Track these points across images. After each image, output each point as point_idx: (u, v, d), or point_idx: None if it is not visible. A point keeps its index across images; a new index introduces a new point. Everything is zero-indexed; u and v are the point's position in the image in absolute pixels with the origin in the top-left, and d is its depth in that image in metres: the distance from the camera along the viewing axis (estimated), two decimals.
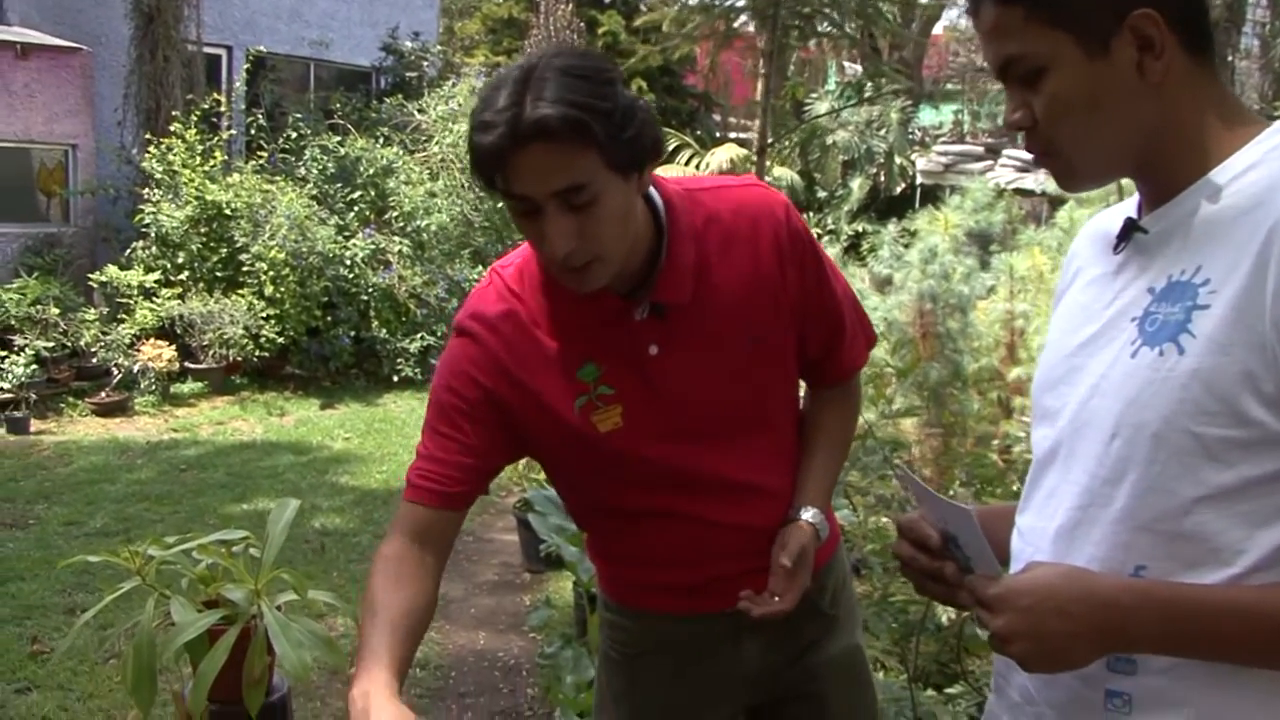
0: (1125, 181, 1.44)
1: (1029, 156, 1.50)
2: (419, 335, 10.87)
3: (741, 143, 17.14)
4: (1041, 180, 13.27)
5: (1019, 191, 13.97)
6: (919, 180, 17.74)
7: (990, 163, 17.19)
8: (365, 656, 1.46)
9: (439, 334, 11.05)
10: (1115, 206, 1.51)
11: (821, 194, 17.55)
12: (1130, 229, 1.39)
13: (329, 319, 10.46)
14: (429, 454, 1.69)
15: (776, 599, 1.68)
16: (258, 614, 1.65)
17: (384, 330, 10.66)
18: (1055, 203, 11.06)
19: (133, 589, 1.78)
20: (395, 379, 10.72)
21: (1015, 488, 4.13)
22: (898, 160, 18.05)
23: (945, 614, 3.03)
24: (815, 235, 1.89)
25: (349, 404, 10.15)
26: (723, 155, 15.71)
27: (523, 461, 6.65)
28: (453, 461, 1.67)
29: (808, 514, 1.75)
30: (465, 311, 1.74)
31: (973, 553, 1.39)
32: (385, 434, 9.11)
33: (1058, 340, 1.49)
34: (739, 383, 1.74)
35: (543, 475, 6.36)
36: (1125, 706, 1.33)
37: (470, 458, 1.68)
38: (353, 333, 10.55)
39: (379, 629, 1.51)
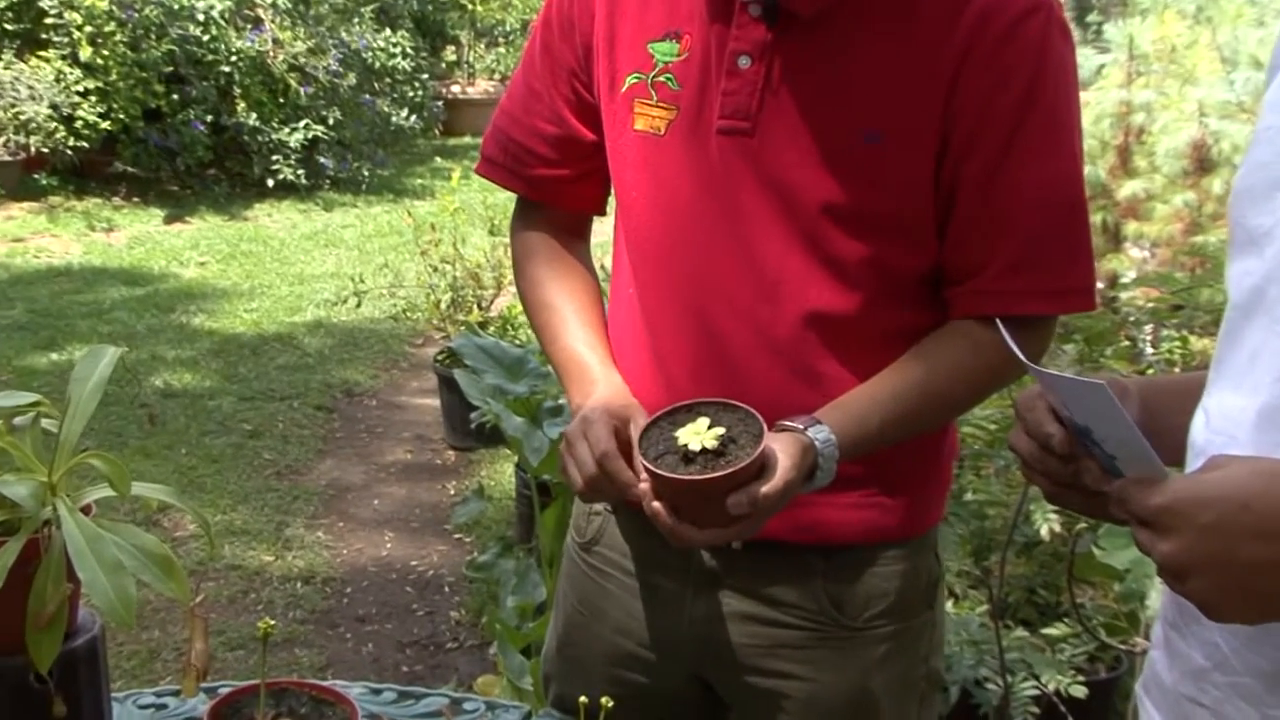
0: None
1: None
2: (302, 123, 10.65)
3: None
4: None
5: None
6: None
7: None
8: (574, 367, 1.85)
9: (331, 123, 10.81)
10: None
11: None
12: None
13: (175, 98, 10.22)
14: (505, 111, 1.96)
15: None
16: (52, 519, 1.49)
17: (253, 115, 10.45)
18: None
19: None
20: (270, 183, 10.56)
21: (1125, 344, 4.03)
22: None
23: (1044, 518, 2.92)
24: (1068, 96, 1.72)
25: (205, 216, 9.98)
26: None
27: (445, 299, 6.56)
28: (531, 130, 1.92)
29: (817, 434, 1.67)
30: None
31: (1115, 446, 1.26)
32: (256, 258, 8.96)
33: (1275, 132, 1.32)
34: (821, 179, 1.69)
35: (473, 317, 6.30)
36: None
37: (551, 125, 1.90)
38: (209, 117, 10.33)
39: (570, 328, 1.89)
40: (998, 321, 1.44)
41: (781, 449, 1.62)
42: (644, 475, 1.63)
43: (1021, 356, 1.33)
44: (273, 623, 1.63)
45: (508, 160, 1.95)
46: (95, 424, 1.45)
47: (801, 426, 1.66)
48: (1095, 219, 5.35)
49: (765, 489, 1.58)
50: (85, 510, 1.55)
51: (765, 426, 1.61)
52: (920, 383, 1.74)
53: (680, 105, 1.76)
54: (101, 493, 1.60)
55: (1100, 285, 5.31)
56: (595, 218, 2.04)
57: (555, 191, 1.95)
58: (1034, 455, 1.36)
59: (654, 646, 1.91)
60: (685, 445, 1.60)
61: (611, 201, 1.95)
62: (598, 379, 1.81)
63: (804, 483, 1.65)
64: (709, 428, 1.61)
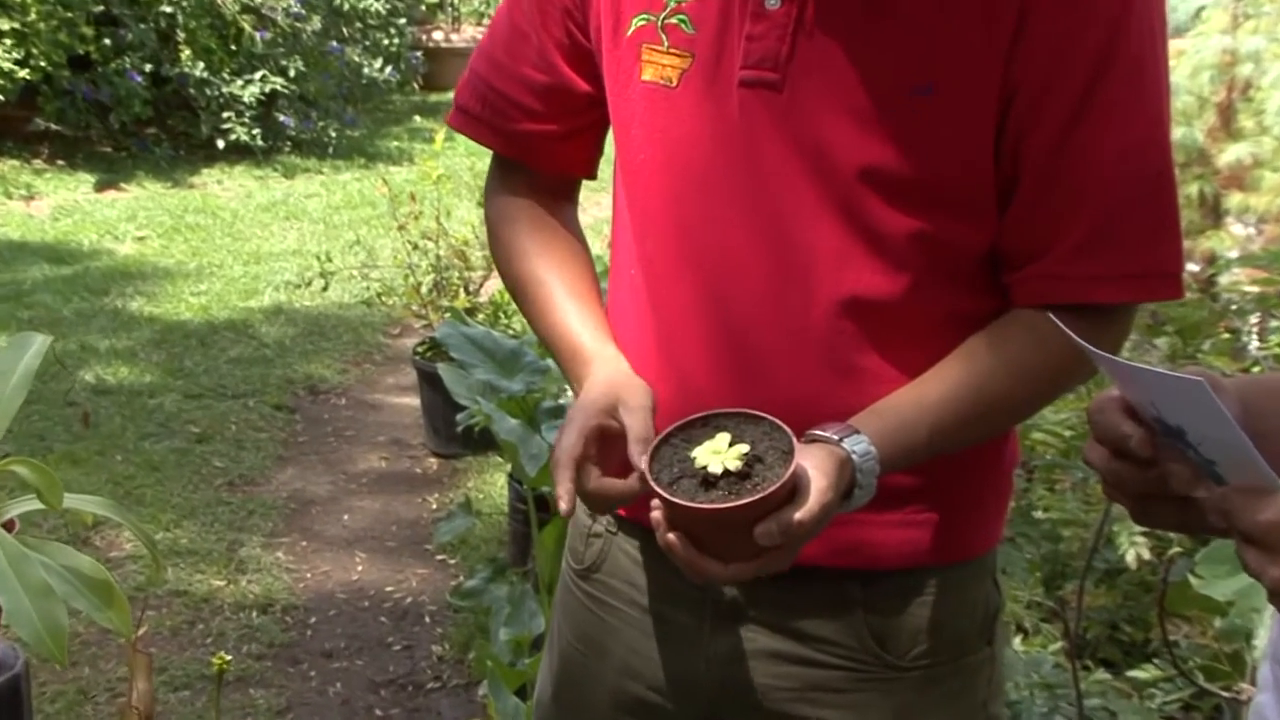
0: None
1: None
2: (258, 75, 10.66)
3: None
4: None
5: None
6: None
7: None
8: (565, 348, 1.87)
9: (291, 74, 10.79)
10: None
11: None
12: None
13: (106, 43, 10.22)
14: (485, 54, 1.96)
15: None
16: None
17: (200, 65, 10.45)
18: None
19: None
20: (220, 145, 10.58)
21: (1225, 337, 4.02)
22: None
23: (1130, 541, 2.91)
24: (1154, 46, 1.70)
25: (144, 183, 9.99)
26: None
27: (426, 282, 6.56)
28: (516, 77, 1.91)
29: (855, 445, 1.66)
30: None
31: (1214, 449, 1.25)
32: (204, 233, 8.97)
33: None
34: (861, 139, 1.67)
35: (460, 303, 6.28)
36: None
37: (539, 72, 1.90)
38: (148, 66, 10.33)
39: (558, 301, 1.90)
40: (1050, 315, 1.43)
41: (815, 466, 1.60)
42: (657, 503, 1.61)
43: (1094, 350, 1.32)
44: (228, 659, 1.63)
45: (486, 112, 1.95)
46: (14, 425, 1.44)
47: (836, 437, 1.64)
48: (1191, 189, 5.33)
49: (799, 515, 1.56)
50: (8, 526, 1.55)
51: (795, 441, 1.59)
52: (976, 383, 1.72)
53: (696, 52, 1.74)
54: (26, 506, 1.60)
55: (1195, 268, 5.29)
56: (596, 189, 2.04)
57: (540, 150, 1.95)
58: (1109, 465, 1.36)
59: (666, 690, 1.90)
60: (704, 467, 1.58)
61: (610, 169, 1.94)
62: (591, 357, 1.81)
63: (841, 502, 1.64)
64: (730, 445, 1.60)
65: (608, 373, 1.78)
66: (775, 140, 1.70)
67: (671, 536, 1.60)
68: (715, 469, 1.57)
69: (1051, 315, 1.41)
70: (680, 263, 1.78)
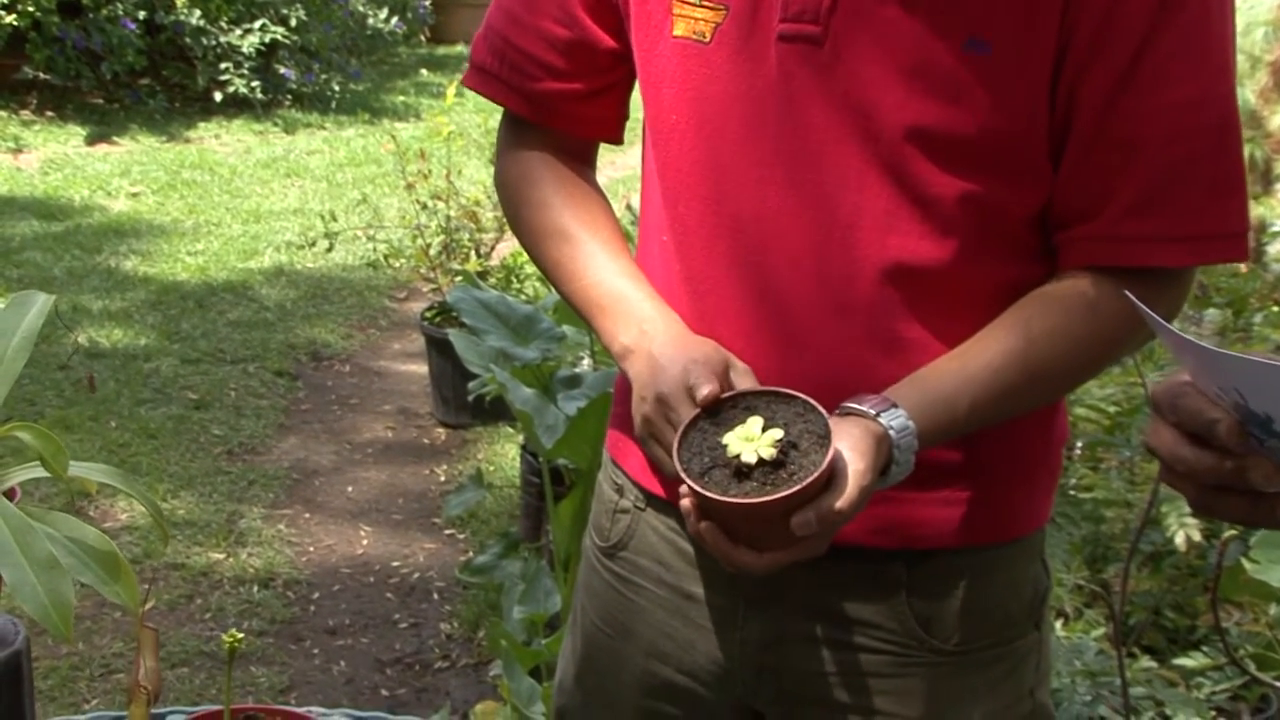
0: None
1: None
2: (257, 24, 10.63)
3: None
4: None
5: None
6: None
7: None
8: (612, 303, 1.81)
9: (293, 24, 10.77)
10: None
11: None
12: None
13: None
14: (502, 8, 1.93)
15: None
16: None
17: (196, 12, 10.42)
18: None
19: None
20: (218, 97, 10.55)
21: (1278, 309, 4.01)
22: None
23: (1179, 522, 2.89)
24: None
25: (138, 137, 9.96)
26: None
27: (435, 243, 6.55)
28: (537, 32, 1.88)
29: (892, 420, 1.64)
30: None
31: None
32: (201, 189, 8.94)
33: None
34: (909, 97, 1.65)
35: (471, 266, 6.28)
36: None
37: (561, 26, 1.87)
38: (141, 13, 10.29)
39: (599, 260, 1.86)
40: (1127, 293, 1.41)
41: (851, 446, 1.58)
42: (686, 490, 1.59)
43: (1170, 330, 1.30)
44: (240, 635, 1.63)
45: (504, 70, 1.92)
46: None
47: (872, 411, 1.63)
48: None
49: (839, 504, 1.56)
50: (9, 495, 1.54)
51: (829, 423, 1.58)
52: (1022, 352, 1.70)
53: (730, 5, 1.72)
54: (29, 473, 1.59)
55: None
56: (610, 148, 2.01)
57: (563, 110, 1.93)
58: (1182, 454, 1.34)
59: (696, 674, 1.89)
60: (737, 456, 1.57)
61: (636, 129, 1.92)
62: (647, 315, 1.77)
63: (878, 480, 1.63)
64: (764, 429, 1.58)
65: (682, 332, 1.75)
66: (816, 98, 1.68)
67: (703, 526, 1.60)
68: (749, 458, 1.56)
69: (1128, 294, 1.35)
70: (714, 229, 1.76)
